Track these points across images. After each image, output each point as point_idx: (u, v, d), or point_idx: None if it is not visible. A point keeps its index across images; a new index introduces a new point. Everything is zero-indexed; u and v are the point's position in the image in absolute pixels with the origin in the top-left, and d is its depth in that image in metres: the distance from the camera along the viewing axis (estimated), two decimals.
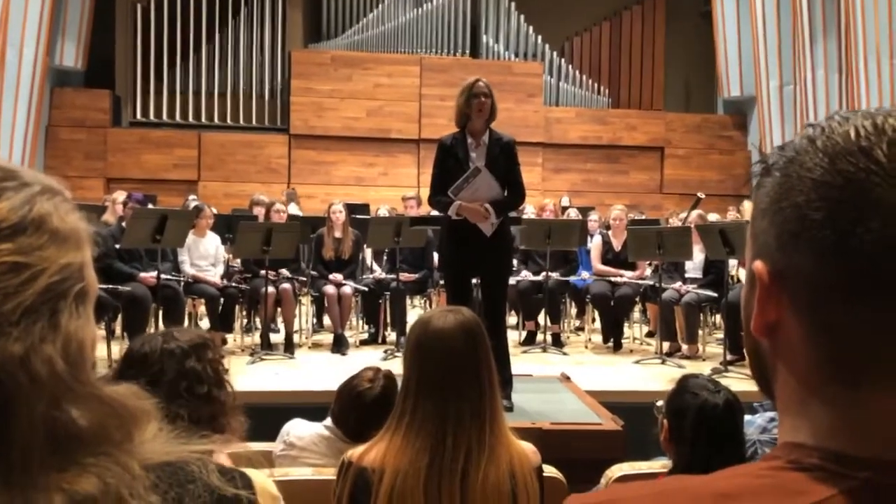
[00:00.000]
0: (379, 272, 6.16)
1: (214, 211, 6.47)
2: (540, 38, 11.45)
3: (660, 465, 2.11)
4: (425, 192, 8.92)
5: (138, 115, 10.77)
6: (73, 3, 9.96)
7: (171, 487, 0.53)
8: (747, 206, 8.55)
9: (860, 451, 0.46)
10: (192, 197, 7.62)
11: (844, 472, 0.46)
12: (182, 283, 5.39)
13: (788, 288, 0.49)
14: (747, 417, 1.89)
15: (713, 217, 6.96)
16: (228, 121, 10.90)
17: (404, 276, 5.92)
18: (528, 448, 1.62)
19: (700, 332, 5.67)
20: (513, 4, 11.40)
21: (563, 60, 11.58)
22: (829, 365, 0.48)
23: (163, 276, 5.10)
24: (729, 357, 4.99)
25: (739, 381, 4.04)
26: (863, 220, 0.45)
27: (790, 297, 0.49)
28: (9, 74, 8.84)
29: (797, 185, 0.48)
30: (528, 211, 7.16)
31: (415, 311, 6.56)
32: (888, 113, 0.49)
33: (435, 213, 6.14)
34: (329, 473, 1.87)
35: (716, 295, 5.48)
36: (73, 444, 0.48)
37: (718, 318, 6.33)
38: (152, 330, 5.06)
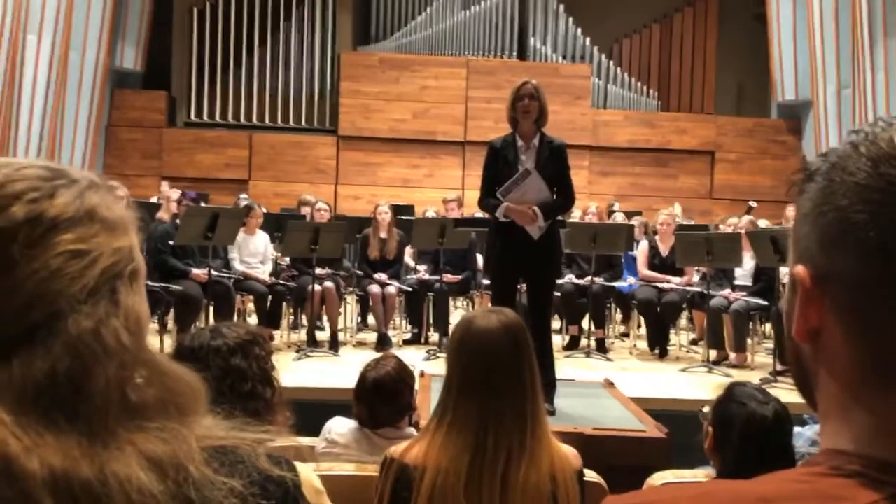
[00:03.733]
0: (422, 273, 6.20)
1: (264, 210, 6.61)
2: (588, 40, 11.35)
3: (704, 473, 2.07)
4: (469, 195, 8.91)
5: (192, 116, 11.07)
6: (133, 6, 10.30)
7: (221, 465, 0.58)
8: (790, 212, 8.32)
9: None
10: (243, 196, 7.79)
11: (886, 478, 0.46)
12: (232, 280, 5.52)
13: (830, 292, 0.49)
14: (797, 430, 1.85)
15: (764, 223, 6.79)
16: (279, 122, 11.12)
17: (448, 277, 5.95)
18: (569, 451, 1.62)
19: (749, 340, 5.54)
20: (561, 6, 11.33)
21: (611, 62, 11.45)
22: (872, 369, 0.48)
23: (214, 272, 5.23)
24: (778, 367, 4.86)
25: (789, 393, 3.94)
26: None
27: (832, 301, 0.49)
28: (72, 76, 9.19)
29: (840, 189, 0.49)
30: (574, 215, 7.11)
31: (457, 313, 6.57)
32: None
33: (479, 214, 6.16)
34: (371, 470, 1.90)
35: (766, 303, 5.35)
36: (139, 410, 0.54)
37: (768, 327, 6.17)
38: (202, 325, 5.20)
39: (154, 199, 6.80)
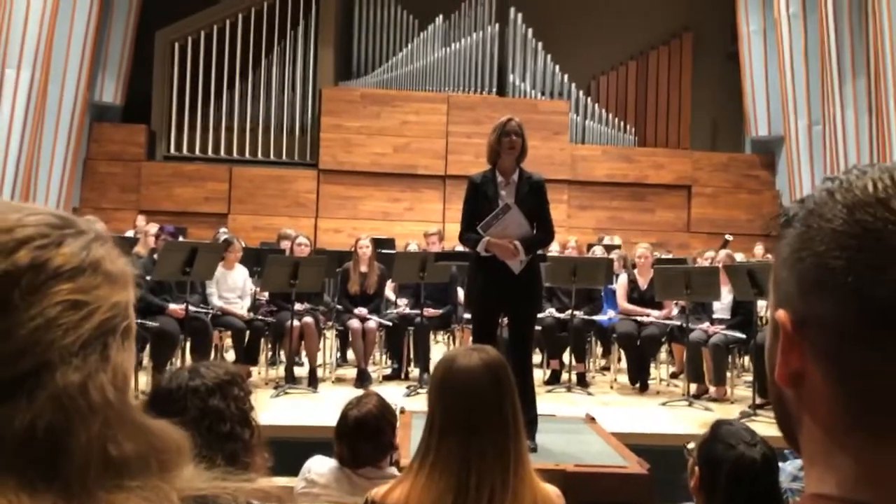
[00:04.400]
0: (403, 307, 6.18)
1: (243, 244, 6.57)
2: (566, 77, 11.57)
3: None
4: (450, 228, 8.93)
5: (172, 150, 11.04)
6: (115, 40, 10.33)
7: None
8: (758, 249, 8.47)
9: (885, 503, 0.46)
10: (223, 230, 7.74)
11: None
12: (210, 316, 5.45)
13: (810, 336, 0.49)
14: (784, 467, 1.85)
15: (740, 257, 6.88)
16: (259, 155, 11.13)
17: (429, 311, 5.93)
18: (552, 491, 1.60)
19: (728, 374, 5.57)
20: (539, 44, 11.55)
21: (589, 99, 11.67)
22: (853, 415, 0.48)
23: (191, 308, 5.16)
24: (758, 400, 4.88)
25: (768, 426, 3.95)
26: (881, 268, 0.46)
27: (812, 346, 0.49)
28: (50, 109, 9.14)
29: (817, 236, 0.50)
30: (553, 249, 7.15)
31: (438, 347, 6.54)
32: None
33: (460, 248, 6.17)
34: None
35: (744, 336, 5.40)
36: (120, 468, 0.53)
37: (747, 359, 6.21)
38: (179, 361, 5.12)
39: (130, 234, 6.72)
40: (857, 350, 0.47)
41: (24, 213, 0.55)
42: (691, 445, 1.79)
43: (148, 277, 5.10)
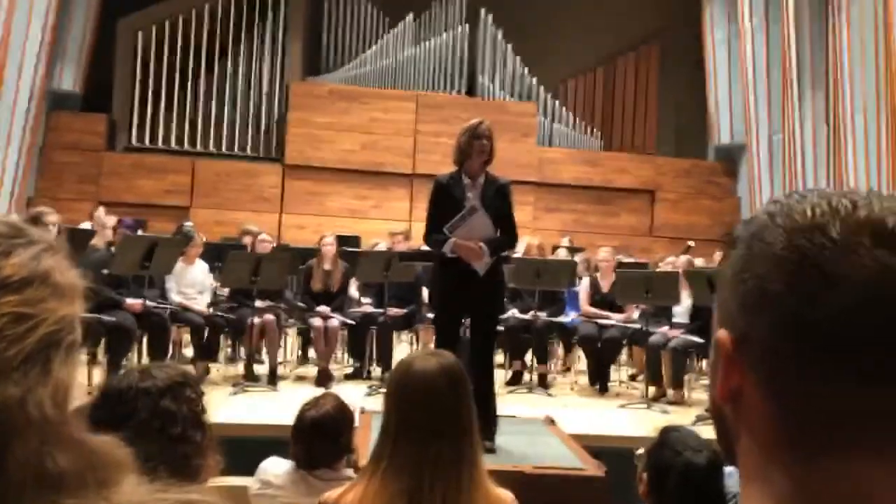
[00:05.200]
0: (366, 306, 6.15)
1: (204, 239, 6.46)
2: (535, 79, 11.64)
3: None
4: (416, 227, 8.94)
5: (133, 141, 10.81)
6: (75, 27, 10.06)
7: None
8: (717, 255, 8.64)
9: None
10: (188, 223, 7.59)
11: None
12: (168, 311, 5.35)
13: (748, 356, 0.51)
14: (727, 469, 1.89)
15: (700, 262, 7.01)
16: (224, 149, 10.96)
17: (392, 310, 5.91)
18: (505, 495, 1.61)
19: (686, 377, 5.66)
20: (509, 46, 11.60)
21: (557, 102, 11.76)
22: (787, 434, 0.49)
23: (149, 303, 5.07)
24: None
25: None
26: (817, 293, 0.48)
27: (751, 365, 0.51)
28: (6, 95, 8.87)
29: (758, 259, 0.51)
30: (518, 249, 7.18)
31: (402, 347, 6.52)
32: (842, 193, 0.52)
33: (424, 248, 6.17)
34: None
35: (703, 341, 5.49)
36: (56, 484, 0.52)
37: (705, 363, 6.33)
38: (135, 357, 5.02)
39: (87, 225, 6.56)
40: (794, 371, 0.48)
41: None
42: (640, 451, 1.82)
43: (105, 271, 4.99)
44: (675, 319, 5.87)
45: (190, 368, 4.25)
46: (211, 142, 10.94)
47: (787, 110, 9.47)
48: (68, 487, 0.52)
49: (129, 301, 5.07)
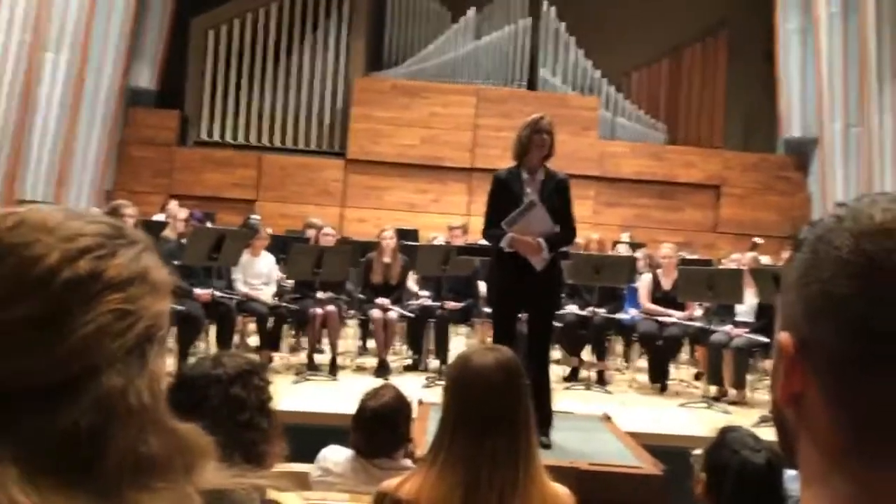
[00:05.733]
0: (424, 299, 6.21)
1: (270, 231, 6.65)
2: (599, 72, 11.47)
3: None
4: (474, 221, 8.94)
5: (203, 135, 11.19)
6: (151, 27, 10.48)
7: None
8: (786, 253, 8.30)
9: None
10: (254, 216, 7.82)
11: None
12: (234, 301, 5.54)
13: (812, 360, 0.51)
14: (788, 473, 1.85)
15: (766, 260, 6.80)
16: (288, 143, 11.22)
17: (449, 304, 5.96)
18: (562, 491, 1.62)
19: (749, 377, 5.52)
20: (572, 39, 11.46)
21: (620, 95, 11.55)
22: (849, 439, 0.49)
23: (217, 293, 5.25)
24: None
25: None
26: (883, 298, 0.47)
27: (814, 369, 0.51)
28: (87, 93, 9.31)
29: (824, 263, 0.51)
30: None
31: (458, 340, 6.57)
32: None
33: (483, 242, 6.18)
34: (366, 500, 1.91)
35: (767, 340, 5.34)
36: (150, 470, 0.56)
37: (768, 363, 6.14)
38: (203, 345, 5.22)
39: (159, 217, 6.84)
40: (857, 376, 0.49)
41: (84, 221, 0.58)
42: (697, 452, 1.80)
43: (175, 262, 5.20)
44: (738, 318, 5.71)
45: (255, 357, 4.39)
46: (276, 136, 11.22)
47: (864, 103, 9.05)
48: (160, 472, 0.56)
49: (198, 291, 5.27)
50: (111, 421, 0.54)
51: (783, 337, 0.53)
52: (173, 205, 6.60)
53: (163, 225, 6.40)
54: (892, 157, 8.65)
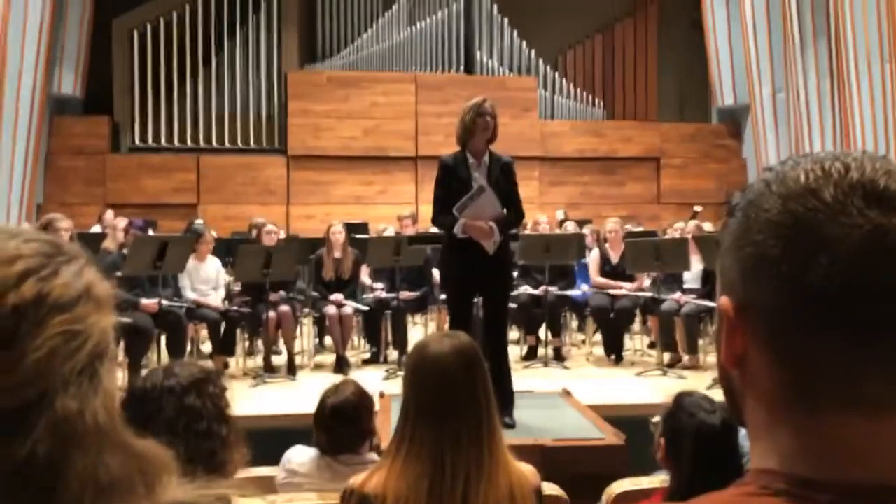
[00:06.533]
0: (379, 291, 6.19)
1: (214, 235, 6.50)
2: (533, 52, 11.55)
3: (659, 480, 2.12)
4: (423, 210, 8.93)
5: (137, 141, 10.84)
6: (71, 30, 10.06)
7: None
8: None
9: (823, 475, 0.50)
10: (197, 220, 7.64)
11: (809, 495, 0.49)
12: (184, 309, 5.41)
13: (751, 321, 0.53)
14: (743, 431, 1.92)
15: (709, 226, 6.99)
16: (226, 143, 10.98)
17: (405, 294, 5.95)
18: (527, 469, 1.64)
19: (700, 342, 5.68)
20: (506, 20, 11.50)
21: (556, 74, 11.67)
22: (790, 393, 0.52)
23: (165, 302, 5.12)
24: None
25: None
26: (813, 255, 0.49)
27: (753, 330, 0.53)
28: (7, 104, 8.91)
29: (755, 225, 0.52)
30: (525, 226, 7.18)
31: (416, 329, 6.57)
32: (835, 157, 0.53)
33: (433, 230, 6.19)
34: (333, 499, 1.89)
35: (714, 305, 5.48)
36: (111, 491, 0.54)
37: None
38: (154, 356, 5.09)
39: (96, 229, 6.62)
40: (793, 332, 0.50)
41: (20, 241, 0.55)
42: (656, 419, 1.85)
43: (118, 273, 5.04)
44: (686, 285, 5.87)
45: (208, 364, 4.30)
46: (214, 137, 10.96)
47: (789, 67, 9.35)
48: (120, 492, 0.54)
49: (145, 301, 5.12)
50: (69, 445, 0.52)
51: (723, 301, 0.55)
52: (110, 215, 6.40)
53: (101, 236, 6.20)
54: (818, 118, 8.98)
